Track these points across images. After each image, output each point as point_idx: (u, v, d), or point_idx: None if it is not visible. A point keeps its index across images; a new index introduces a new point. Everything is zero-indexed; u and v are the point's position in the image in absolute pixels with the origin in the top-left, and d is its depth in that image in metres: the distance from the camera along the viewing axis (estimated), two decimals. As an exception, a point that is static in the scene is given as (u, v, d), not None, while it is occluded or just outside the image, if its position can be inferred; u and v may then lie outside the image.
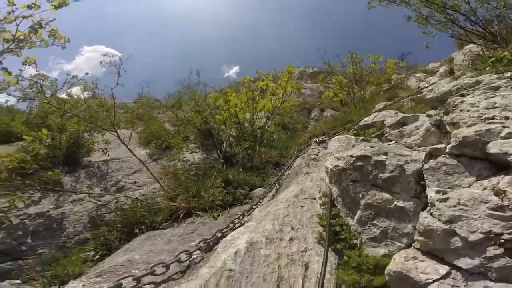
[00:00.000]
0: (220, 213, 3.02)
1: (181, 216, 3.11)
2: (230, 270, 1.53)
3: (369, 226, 1.94)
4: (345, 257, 1.86)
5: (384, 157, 2.18)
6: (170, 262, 1.71)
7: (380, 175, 2.06)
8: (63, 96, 4.47)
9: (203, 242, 2.00)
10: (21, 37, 2.83)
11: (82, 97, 4.20)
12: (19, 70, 3.05)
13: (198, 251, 1.94)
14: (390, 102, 5.20)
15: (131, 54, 3.85)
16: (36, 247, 2.97)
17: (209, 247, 2.01)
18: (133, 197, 3.38)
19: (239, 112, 5.38)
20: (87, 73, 5.59)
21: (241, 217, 2.48)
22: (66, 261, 2.21)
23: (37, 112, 4.64)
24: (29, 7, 3.01)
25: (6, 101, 3.65)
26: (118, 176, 4.11)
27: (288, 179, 3.44)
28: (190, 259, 1.85)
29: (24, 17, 2.92)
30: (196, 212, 3.11)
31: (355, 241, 1.94)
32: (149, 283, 1.57)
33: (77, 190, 3.52)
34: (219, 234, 2.13)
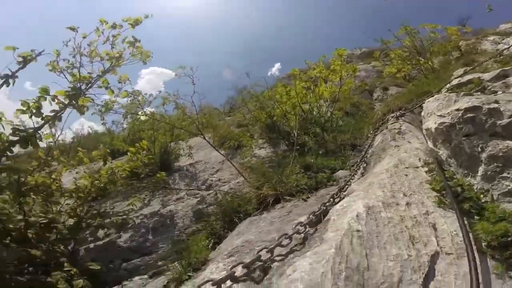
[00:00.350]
0: (308, 195, 3.06)
1: (270, 203, 3.24)
2: (358, 231, 1.55)
3: (498, 181, 1.76)
4: (475, 216, 1.71)
5: (497, 105, 1.96)
6: (291, 233, 1.80)
7: (498, 122, 1.86)
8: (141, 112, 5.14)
9: (312, 214, 2.05)
10: (117, 55, 3.23)
11: (163, 110, 4.83)
12: (118, 88, 3.55)
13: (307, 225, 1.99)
14: (470, 67, 4.74)
15: (196, 66, 4.23)
16: (157, 243, 3.41)
17: (318, 219, 2.05)
18: (224, 191, 3.67)
19: (301, 102, 5.41)
20: (160, 91, 6.48)
21: (338, 192, 2.48)
22: (194, 249, 2.46)
23: (129, 129, 5.46)
24: (113, 27, 3.43)
25: (105, 123, 4.33)
26: (205, 175, 4.52)
27: (375, 156, 3.31)
28: (305, 231, 1.92)
29: (114, 36, 3.35)
30: (284, 197, 3.20)
31: (484, 199, 1.78)
32: (278, 255, 1.68)
33: (182, 188, 3.99)
34: (324, 208, 2.16)
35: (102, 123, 4.05)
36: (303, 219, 2.14)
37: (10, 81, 2.32)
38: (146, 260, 3.30)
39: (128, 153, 3.70)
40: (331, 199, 2.33)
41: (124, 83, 3.63)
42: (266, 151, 5.17)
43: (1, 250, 2.29)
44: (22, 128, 2.39)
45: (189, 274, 2.26)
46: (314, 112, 5.47)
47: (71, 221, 3.22)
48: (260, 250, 1.64)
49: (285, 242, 1.75)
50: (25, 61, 2.45)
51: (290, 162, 3.79)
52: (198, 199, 3.88)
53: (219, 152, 3.90)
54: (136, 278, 3.03)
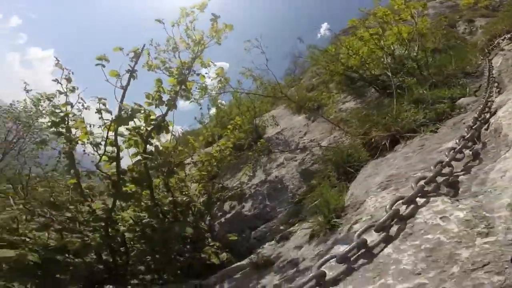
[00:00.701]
0: (438, 126, 2.76)
1: (387, 145, 3.04)
2: None
3: None
4: None
5: None
6: (459, 148, 1.61)
7: None
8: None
9: (469, 129, 1.81)
10: (200, 39, 3.30)
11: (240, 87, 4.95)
12: (206, 73, 3.70)
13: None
14: None
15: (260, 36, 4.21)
16: (275, 207, 3.52)
17: (476, 133, 1.81)
18: (325, 146, 3.62)
19: (377, 45, 4.93)
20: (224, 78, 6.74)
21: (485, 108, 2.16)
22: (330, 197, 2.43)
23: (216, 115, 5.86)
24: (187, 14, 3.49)
25: (201, 107, 4.66)
26: (295, 140, 4.53)
27: (505, 73, 2.87)
28: (472, 146, 1.71)
29: (191, 22, 3.42)
30: (403, 135, 2.97)
31: None
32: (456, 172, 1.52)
33: (286, 150, 4.11)
34: (479, 123, 1.90)
35: (200, 108, 4.47)
36: (451, 144, 1.91)
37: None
38: (270, 226, 3.43)
39: (228, 131, 3.91)
40: (482, 115, 2.04)
41: (209, 66, 3.78)
42: (353, 103, 4.90)
43: (171, 228, 2.60)
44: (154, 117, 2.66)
45: (334, 221, 2.24)
46: (397, 52, 4.96)
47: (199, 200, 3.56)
48: (439, 163, 1.50)
49: (459, 156, 1.58)
50: (136, 55, 2.68)
51: (393, 102, 3.48)
52: (299, 161, 3.90)
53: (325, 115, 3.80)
54: (266, 245, 3.10)
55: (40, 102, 2.72)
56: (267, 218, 3.53)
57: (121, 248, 2.79)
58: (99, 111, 2.31)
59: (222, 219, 3.67)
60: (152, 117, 2.52)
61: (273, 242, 3.09)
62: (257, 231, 3.49)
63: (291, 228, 3.16)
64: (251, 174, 4.07)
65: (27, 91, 2.91)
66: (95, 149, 2.33)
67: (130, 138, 2.40)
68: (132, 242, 2.88)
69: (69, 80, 2.70)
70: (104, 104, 2.33)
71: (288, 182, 3.67)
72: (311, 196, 3.10)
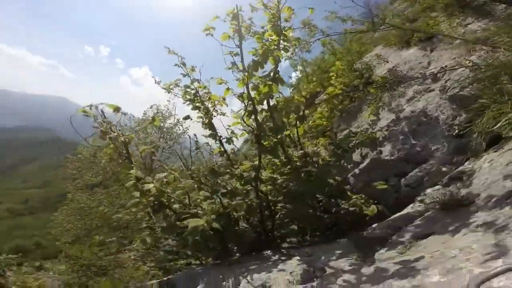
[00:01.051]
0: None
1: None
2: None
3: None
4: None
5: None
6: None
7: None
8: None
9: None
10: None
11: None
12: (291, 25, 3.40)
13: None
14: None
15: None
16: (427, 145, 2.92)
17: None
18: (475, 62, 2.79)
19: None
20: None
21: None
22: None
23: (303, 74, 5.59)
24: None
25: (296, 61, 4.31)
26: (417, 73, 3.75)
27: None
28: None
29: None
30: None
31: None
32: None
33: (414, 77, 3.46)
34: None
35: (295, 62, 4.31)
36: None
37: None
38: (426, 169, 2.82)
39: (332, 78, 3.51)
40: None
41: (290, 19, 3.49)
42: (479, 24, 3.79)
43: (326, 171, 2.39)
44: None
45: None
46: None
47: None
48: None
49: None
50: (235, 16, 2.56)
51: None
52: (438, 89, 3.15)
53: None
54: (429, 190, 2.60)
55: (171, 89, 2.94)
56: (418, 160, 2.94)
57: (266, 212, 2.77)
58: (233, 64, 2.32)
59: (356, 170, 3.26)
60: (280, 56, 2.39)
61: (437, 186, 2.59)
62: (408, 177, 2.94)
63: (461, 168, 2.55)
64: (374, 118, 3.53)
65: (158, 83, 3.26)
66: (241, 99, 2.35)
67: (265, 82, 2.30)
68: (275, 205, 2.82)
69: (184, 64, 2.84)
70: (236, 55, 2.32)
71: (437, 112, 2.97)
72: (489, 116, 2.39)
